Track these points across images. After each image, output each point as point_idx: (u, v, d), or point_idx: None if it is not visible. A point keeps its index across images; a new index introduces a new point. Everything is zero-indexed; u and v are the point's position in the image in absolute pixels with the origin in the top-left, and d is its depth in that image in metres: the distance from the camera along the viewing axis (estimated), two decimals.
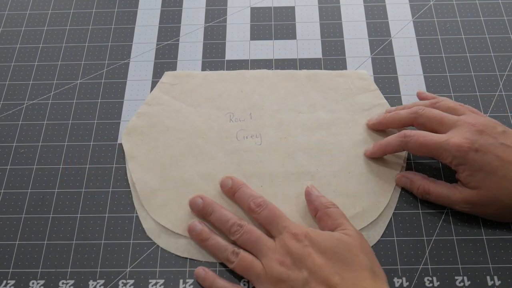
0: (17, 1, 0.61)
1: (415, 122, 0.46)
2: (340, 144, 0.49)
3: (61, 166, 0.49)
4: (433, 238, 0.45)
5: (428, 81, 0.53)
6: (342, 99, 0.52)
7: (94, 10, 0.60)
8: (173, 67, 0.55)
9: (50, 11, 0.60)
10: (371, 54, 0.56)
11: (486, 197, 0.42)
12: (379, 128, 0.49)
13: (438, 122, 0.44)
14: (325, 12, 0.59)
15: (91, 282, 0.43)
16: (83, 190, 0.48)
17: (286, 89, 0.53)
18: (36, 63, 0.56)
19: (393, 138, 0.46)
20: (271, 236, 0.43)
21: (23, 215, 0.47)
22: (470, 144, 0.41)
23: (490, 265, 0.43)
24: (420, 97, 0.50)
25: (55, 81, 0.54)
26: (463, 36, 0.56)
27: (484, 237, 0.45)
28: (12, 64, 0.56)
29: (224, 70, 0.55)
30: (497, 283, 0.43)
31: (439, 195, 0.44)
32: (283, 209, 0.45)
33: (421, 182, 0.45)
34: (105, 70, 0.55)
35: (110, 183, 0.48)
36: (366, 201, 0.46)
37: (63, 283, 0.44)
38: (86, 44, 0.57)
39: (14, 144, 0.51)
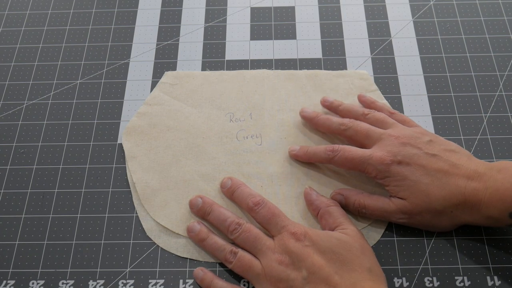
0: (17, 1, 0.61)
1: (344, 133, 0.47)
2: (340, 144, 0.49)
3: (61, 166, 0.49)
4: (433, 238, 0.45)
5: (428, 81, 0.53)
6: (342, 99, 0.52)
7: (94, 10, 0.60)
8: (173, 67, 0.55)
9: (50, 11, 0.60)
10: (371, 54, 0.56)
11: (418, 205, 0.42)
12: (309, 124, 0.50)
13: (365, 136, 0.45)
14: (325, 12, 0.59)
15: (91, 282, 0.43)
16: (83, 190, 0.48)
17: (286, 89, 0.53)
18: (36, 63, 0.56)
19: (321, 150, 0.46)
20: (270, 235, 0.43)
21: (23, 215, 0.47)
22: (393, 157, 0.42)
23: (490, 265, 0.43)
24: (360, 100, 0.51)
25: (55, 81, 0.54)
26: (463, 36, 0.56)
27: (484, 237, 0.45)
28: (12, 64, 0.56)
29: (224, 70, 0.55)
30: (497, 283, 0.43)
31: (375, 208, 0.44)
32: (283, 209, 0.45)
33: (356, 197, 0.44)
34: (105, 70, 0.55)
35: (110, 183, 0.48)
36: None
37: (63, 283, 0.44)
38: (86, 44, 0.57)
39: (14, 144, 0.51)
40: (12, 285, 0.44)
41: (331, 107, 0.50)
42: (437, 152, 0.42)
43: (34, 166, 0.49)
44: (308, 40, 0.57)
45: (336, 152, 0.45)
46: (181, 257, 0.45)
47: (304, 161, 0.48)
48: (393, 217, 0.44)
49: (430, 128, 0.50)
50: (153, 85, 0.54)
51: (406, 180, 0.42)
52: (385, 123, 0.46)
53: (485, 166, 0.41)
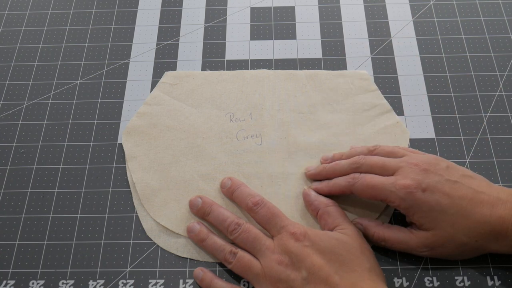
0: (17, 1, 0.61)
1: (358, 171, 0.44)
2: (340, 145, 0.49)
3: (61, 166, 0.49)
4: None
5: (428, 81, 0.53)
6: (342, 99, 0.52)
7: (94, 10, 0.60)
8: (173, 67, 0.55)
9: (50, 11, 0.60)
10: (371, 54, 0.56)
11: (442, 237, 0.40)
12: (317, 179, 0.47)
13: (380, 167, 0.43)
14: (325, 12, 0.59)
15: (91, 282, 0.44)
16: (83, 190, 0.48)
17: (286, 89, 0.53)
18: (36, 63, 0.56)
19: (341, 178, 0.44)
20: (270, 235, 0.43)
21: (23, 215, 0.47)
22: (417, 184, 0.40)
23: (490, 265, 0.43)
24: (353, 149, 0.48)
25: (55, 81, 0.55)
26: (463, 36, 0.56)
27: None
28: (12, 64, 0.56)
29: (224, 70, 0.55)
30: (497, 283, 0.43)
31: (396, 241, 0.42)
32: (283, 209, 0.45)
33: (375, 229, 0.43)
34: (105, 70, 0.55)
35: (110, 183, 0.48)
36: (366, 201, 0.46)
37: (63, 283, 0.44)
38: (86, 44, 0.57)
39: (14, 144, 0.51)
40: (12, 285, 0.44)
41: (334, 160, 0.47)
42: (457, 179, 0.41)
43: (34, 166, 0.49)
44: (308, 40, 0.57)
45: (357, 179, 0.43)
46: (181, 257, 0.45)
47: (325, 194, 0.45)
48: (415, 251, 0.42)
49: (430, 128, 0.50)
50: (153, 85, 0.54)
51: (433, 211, 0.40)
52: (396, 153, 0.44)
53: (506, 192, 0.40)
